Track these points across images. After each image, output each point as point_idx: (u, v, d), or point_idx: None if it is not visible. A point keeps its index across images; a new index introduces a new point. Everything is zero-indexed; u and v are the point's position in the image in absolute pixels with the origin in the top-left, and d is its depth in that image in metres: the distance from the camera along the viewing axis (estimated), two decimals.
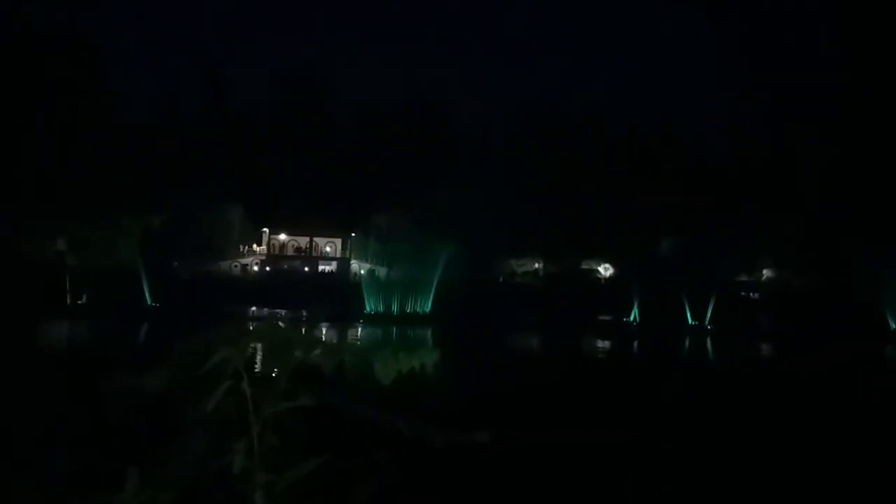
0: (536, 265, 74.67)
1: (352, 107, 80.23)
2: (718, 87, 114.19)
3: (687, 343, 37.29)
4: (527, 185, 67.18)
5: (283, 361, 6.03)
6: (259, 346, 5.86)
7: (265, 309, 45.57)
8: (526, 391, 18.13)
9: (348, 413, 5.70)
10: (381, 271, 45.27)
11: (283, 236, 71.40)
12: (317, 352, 6.17)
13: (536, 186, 67.82)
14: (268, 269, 67.70)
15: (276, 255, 70.13)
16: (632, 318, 45.61)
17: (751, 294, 64.09)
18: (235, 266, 67.72)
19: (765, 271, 69.70)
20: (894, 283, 42.50)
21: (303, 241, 71.73)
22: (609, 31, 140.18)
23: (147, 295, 43.54)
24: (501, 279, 68.05)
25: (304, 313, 41.42)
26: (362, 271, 53.06)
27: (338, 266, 68.47)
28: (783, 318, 50.35)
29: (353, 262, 65.10)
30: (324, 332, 34.28)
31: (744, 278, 66.64)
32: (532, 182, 68.37)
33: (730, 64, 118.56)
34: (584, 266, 74.16)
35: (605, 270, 74.02)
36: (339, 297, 47.48)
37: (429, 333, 36.24)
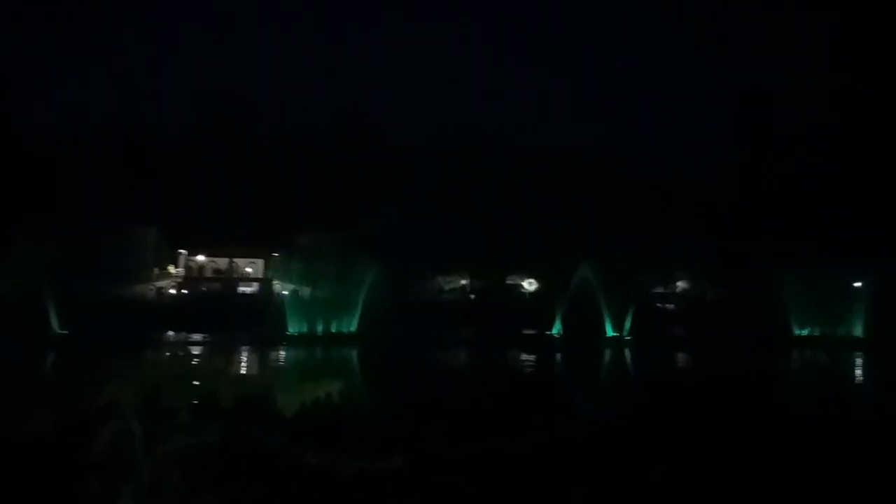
0: (463, 282, 75.28)
1: (274, 125, 79.14)
2: (646, 108, 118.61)
3: (605, 354, 38.31)
4: (453, 203, 67.84)
5: (186, 394, 5.75)
6: (162, 378, 5.55)
7: (182, 333, 43.88)
8: (446, 409, 18.13)
9: (254, 444, 5.52)
10: (305, 291, 44.39)
11: (201, 257, 69.20)
12: (223, 382, 5.90)
13: (462, 204, 68.59)
14: (185, 291, 65.28)
15: (193, 277, 67.80)
16: (555, 331, 46.43)
17: (666, 305, 66.69)
18: (150, 289, 65.03)
19: (679, 283, 72.84)
20: (795, 293, 45.06)
21: (222, 262, 69.76)
22: (542, 48, 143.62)
23: (54, 322, 41.14)
24: (428, 296, 68.14)
25: (224, 337, 40.12)
26: (285, 292, 52.01)
27: (259, 287, 66.85)
28: (696, 328, 53.06)
29: (275, 282, 63.68)
30: (244, 355, 33.35)
31: (660, 290, 69.40)
32: (458, 199, 69.10)
33: (653, 83, 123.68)
34: (510, 281, 75.39)
35: (530, 285, 75.36)
36: (260, 318, 46.31)
37: (354, 353, 35.84)
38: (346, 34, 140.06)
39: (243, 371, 26.09)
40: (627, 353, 39.74)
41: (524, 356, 35.73)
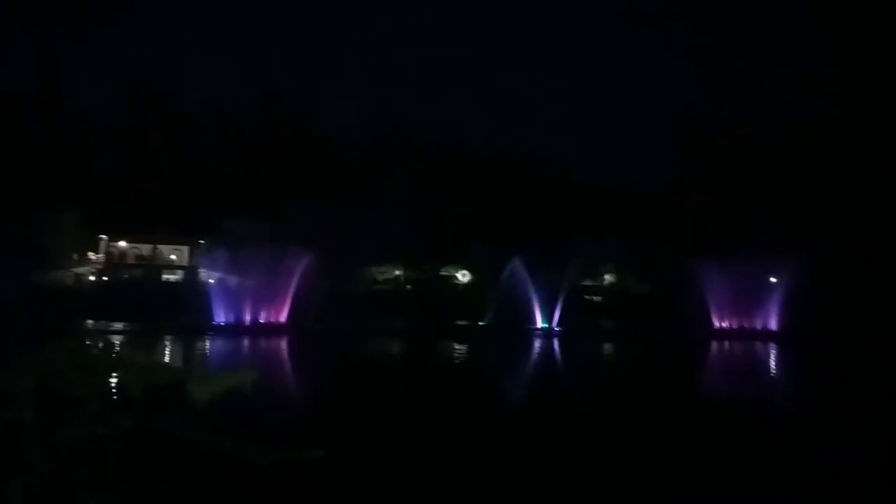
0: (397, 272, 75.05)
1: (203, 110, 76.64)
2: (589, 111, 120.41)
3: (534, 344, 39.00)
4: (386, 194, 67.45)
5: (96, 383, 5.45)
6: (71, 367, 5.22)
7: (102, 322, 42.06)
8: (369, 399, 18.02)
9: (167, 434, 5.29)
10: (233, 280, 43.28)
11: (123, 243, 66.44)
12: (135, 371, 5.62)
13: (396, 195, 68.29)
14: (105, 278, 62.59)
15: (115, 264, 65.07)
16: (486, 321, 46.99)
17: (594, 298, 68.50)
18: (69, 276, 62.08)
19: (606, 277, 74.88)
20: (716, 287, 47.05)
21: (146, 248, 67.18)
22: (492, 47, 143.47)
23: None
24: (361, 286, 67.64)
25: (146, 326, 38.69)
26: (211, 280, 50.55)
27: (184, 275, 64.74)
28: (621, 319, 55.14)
29: (201, 270, 61.79)
30: (166, 345, 32.26)
31: (588, 283, 71.14)
32: (392, 191, 68.76)
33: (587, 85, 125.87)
34: (444, 273, 75.67)
35: (463, 277, 75.82)
36: (186, 307, 45.05)
37: (281, 344, 35.19)
38: (279, 20, 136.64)
39: (161, 360, 25.25)
40: (555, 343, 40.61)
41: (454, 346, 35.94)
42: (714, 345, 41.41)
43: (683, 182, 73.02)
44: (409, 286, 71.47)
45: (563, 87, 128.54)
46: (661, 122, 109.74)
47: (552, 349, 37.72)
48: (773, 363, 33.93)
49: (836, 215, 61.49)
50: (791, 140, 69.45)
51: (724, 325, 46.66)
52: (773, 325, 45.80)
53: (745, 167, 69.72)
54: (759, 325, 45.70)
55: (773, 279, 49.71)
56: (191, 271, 64.65)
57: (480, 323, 46.99)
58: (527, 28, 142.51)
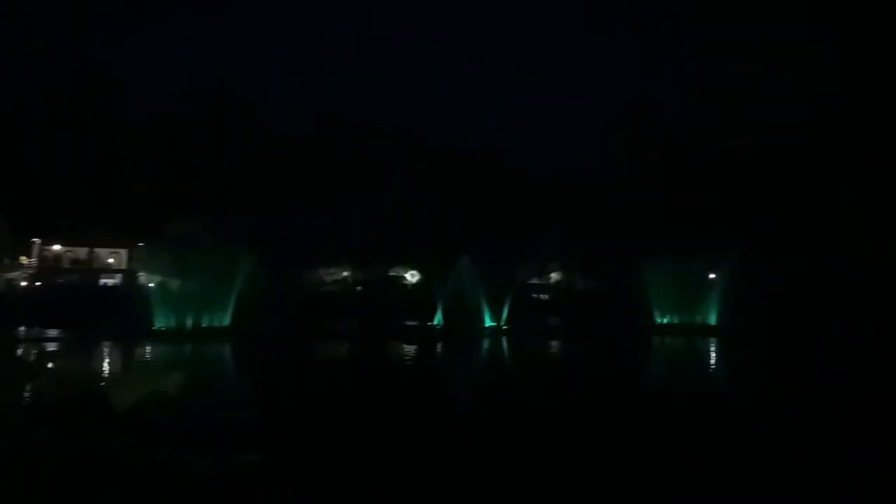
0: (345, 273, 74.46)
1: (140, 106, 74.32)
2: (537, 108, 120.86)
3: (482, 343, 39.23)
4: (334, 193, 66.75)
5: (16, 393, 5.17)
6: None
7: (35, 329, 40.35)
8: (308, 402, 17.72)
9: (94, 444, 5.04)
10: (174, 284, 42.07)
11: (57, 247, 63.97)
12: (63, 378, 5.34)
13: (343, 195, 67.67)
14: (39, 284, 60.17)
15: (49, 269, 62.61)
16: (436, 321, 47.00)
17: (541, 296, 69.48)
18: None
19: (553, 275, 76.00)
20: (658, 284, 48.34)
21: (81, 252, 64.85)
22: (436, 39, 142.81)
23: None
24: (308, 288, 66.85)
25: (82, 332, 37.30)
26: (151, 284, 49.08)
27: (123, 279, 62.78)
28: (568, 317, 56.17)
29: (140, 274, 59.97)
30: (102, 351, 31.14)
31: (535, 281, 72.13)
32: (338, 190, 68.10)
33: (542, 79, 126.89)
34: (393, 273, 75.46)
35: (412, 277, 75.78)
36: (124, 312, 43.74)
37: (223, 348, 34.41)
38: (216, 11, 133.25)
39: (86, 366, 24.41)
40: (504, 341, 40.95)
41: (403, 347, 35.84)
42: (655, 340, 42.50)
43: (627, 180, 74.53)
44: (358, 287, 71.02)
45: (508, 83, 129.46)
46: (606, 119, 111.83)
47: (500, 347, 38.01)
48: (703, 355, 35.24)
49: (772, 214, 63.88)
50: (732, 140, 71.68)
51: (665, 320, 47.93)
52: (711, 320, 47.31)
53: (688, 166, 71.63)
54: (698, 321, 47.11)
55: (712, 276, 51.40)
56: (130, 275, 62.76)
57: (430, 323, 46.97)
58: (473, 19, 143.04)
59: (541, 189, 74.27)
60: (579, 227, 70.24)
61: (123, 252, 65.69)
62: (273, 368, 26.19)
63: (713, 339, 42.12)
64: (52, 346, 31.72)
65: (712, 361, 33.07)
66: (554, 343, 42.13)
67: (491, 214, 69.96)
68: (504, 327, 45.86)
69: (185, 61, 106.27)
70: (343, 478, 10.50)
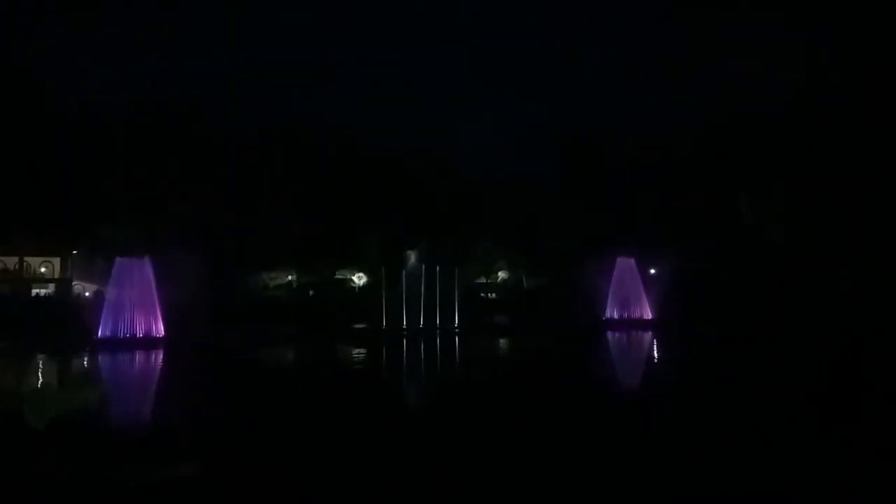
0: (290, 277, 73.21)
1: (73, 108, 71.13)
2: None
3: (433, 343, 39.08)
4: (276, 196, 65.53)
5: None
6: None
7: None
8: (246, 411, 17.01)
9: (13, 460, 4.66)
10: (110, 292, 40.42)
11: None
12: None
13: (286, 197, 66.52)
14: None
15: None
16: (385, 323, 46.68)
17: (490, 295, 69.90)
18: None
19: (500, 274, 76.52)
20: (601, 280, 49.61)
21: (10, 261, 61.84)
22: (379, 44, 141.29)
23: None
24: (252, 293, 65.43)
25: (9, 345, 35.51)
26: (87, 293, 47.16)
27: (57, 288, 60.24)
28: (517, 315, 56.84)
29: (75, 283, 57.66)
30: (32, 364, 29.67)
31: (483, 281, 72.51)
32: (281, 192, 66.92)
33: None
34: (339, 276, 74.58)
35: (360, 279, 75.05)
36: (58, 323, 42.00)
37: (159, 357, 33.22)
38: (159, 12, 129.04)
39: (21, 381, 23.30)
40: (456, 341, 40.97)
41: (351, 350, 35.36)
42: (597, 334, 43.42)
43: (570, 179, 75.52)
44: (311, 292, 69.88)
45: (457, 83, 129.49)
46: (550, 118, 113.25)
47: (451, 347, 37.96)
48: (640, 347, 36.64)
49: (702, 214, 66.00)
50: (669, 139, 73.43)
51: (613, 315, 49.09)
52: (649, 314, 48.78)
53: (627, 165, 73.11)
54: (637, 315, 48.53)
55: (652, 271, 52.94)
56: (63, 284, 60.34)
57: (378, 326, 46.60)
58: (420, 19, 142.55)
59: (486, 190, 74.55)
60: (525, 225, 70.92)
61: (56, 261, 63.10)
62: (206, 377, 25.29)
63: (651, 332, 43.82)
64: None
65: (650, 352, 34.47)
66: (503, 341, 42.47)
67: (437, 215, 70.01)
68: (455, 327, 45.94)
69: (122, 63, 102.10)
70: (276, 487, 10.08)
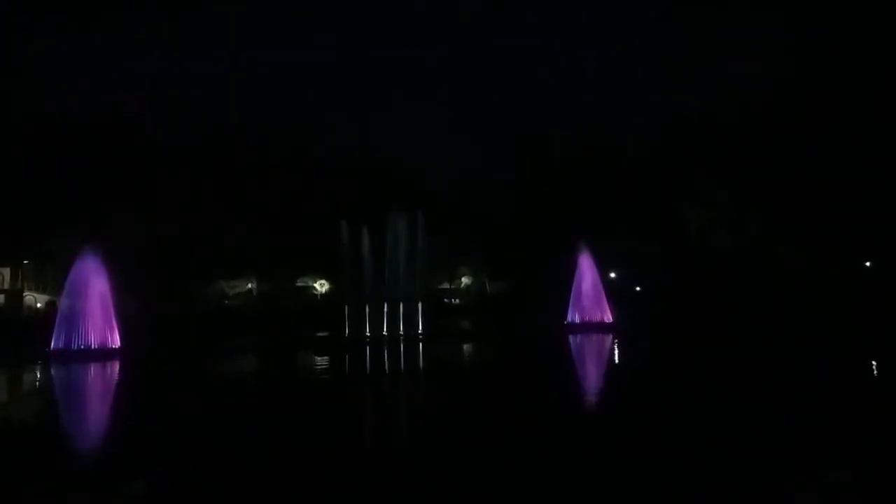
0: (250, 285, 72.33)
1: (20, 117, 69.12)
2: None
3: (396, 351, 39.01)
4: (233, 202, 64.67)
5: None
6: None
7: None
8: (200, 424, 16.57)
9: None
10: (63, 303, 39.38)
11: None
12: None
13: (244, 205, 65.70)
14: None
15: None
16: (348, 331, 46.49)
17: (453, 300, 70.04)
18: None
19: (463, 279, 76.79)
20: (564, 284, 50.20)
21: None
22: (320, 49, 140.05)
23: None
24: (210, 303, 64.42)
25: None
26: (39, 304, 45.85)
27: (7, 299, 58.57)
28: (479, 319, 57.23)
29: (26, 294, 56.06)
30: None
31: (446, 286, 72.62)
32: (239, 201, 66.08)
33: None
34: (300, 283, 73.93)
35: (321, 287, 74.55)
36: (10, 334, 40.85)
37: (112, 369, 32.41)
38: (102, 25, 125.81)
39: None
40: (420, 347, 40.97)
41: (313, 359, 35.05)
42: (558, 337, 43.95)
43: (530, 183, 76.14)
44: (281, 302, 68.92)
45: (412, 90, 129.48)
46: (508, 120, 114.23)
47: (416, 353, 37.93)
48: (599, 348, 37.54)
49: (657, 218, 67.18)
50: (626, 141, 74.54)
51: (574, 319, 49.74)
52: (608, 318, 49.63)
53: (584, 170, 73.97)
54: (598, 318, 49.29)
55: (612, 274, 53.81)
56: (14, 295, 58.69)
57: (343, 334, 46.34)
58: (379, 24, 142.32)
59: (446, 195, 74.74)
60: (486, 230, 71.27)
61: (7, 271, 61.29)
62: (159, 389, 24.71)
63: (610, 335, 44.56)
64: None
65: (610, 353, 35.43)
66: (467, 346, 42.66)
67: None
68: (419, 333, 45.96)
69: (70, 68, 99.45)
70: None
